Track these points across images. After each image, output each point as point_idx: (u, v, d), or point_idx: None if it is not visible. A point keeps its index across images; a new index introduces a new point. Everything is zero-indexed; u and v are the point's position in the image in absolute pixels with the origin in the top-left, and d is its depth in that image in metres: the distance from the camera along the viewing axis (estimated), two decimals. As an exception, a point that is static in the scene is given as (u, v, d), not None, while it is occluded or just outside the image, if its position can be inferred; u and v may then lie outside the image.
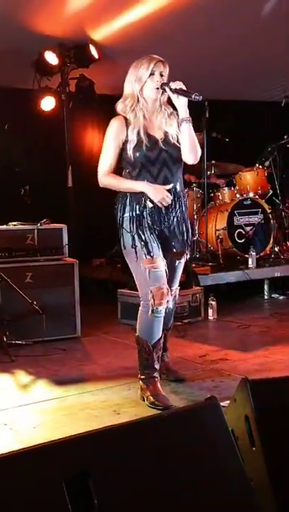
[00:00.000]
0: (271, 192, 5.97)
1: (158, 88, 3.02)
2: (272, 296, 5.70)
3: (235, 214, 5.63)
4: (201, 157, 5.64)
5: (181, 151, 3.06)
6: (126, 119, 3.05)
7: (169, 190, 3.02)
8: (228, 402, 1.94)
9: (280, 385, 1.92)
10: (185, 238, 3.15)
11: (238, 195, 5.80)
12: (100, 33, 5.70)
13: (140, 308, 3.13)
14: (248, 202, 5.73)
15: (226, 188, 5.98)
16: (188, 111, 3.02)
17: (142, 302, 3.12)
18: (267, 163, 5.98)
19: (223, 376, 3.52)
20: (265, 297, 5.68)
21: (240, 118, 7.27)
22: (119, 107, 3.10)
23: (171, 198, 3.03)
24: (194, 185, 6.04)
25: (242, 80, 6.76)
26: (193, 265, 5.28)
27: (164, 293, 3.04)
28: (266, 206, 5.77)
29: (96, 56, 5.76)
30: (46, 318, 4.25)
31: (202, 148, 5.65)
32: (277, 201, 6.07)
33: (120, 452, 1.49)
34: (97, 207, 6.74)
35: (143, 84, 3.03)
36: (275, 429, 1.76)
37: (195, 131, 3.08)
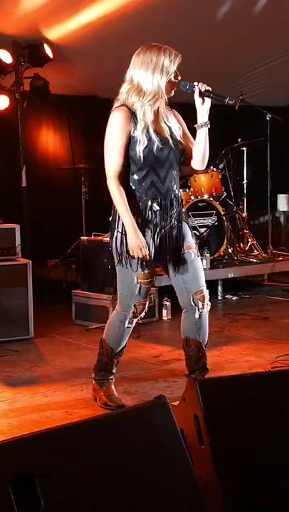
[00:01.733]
0: (225, 194, 6.03)
1: (175, 87, 2.81)
2: (226, 297, 5.77)
3: (189, 215, 5.66)
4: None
5: (193, 156, 2.92)
6: (131, 111, 2.79)
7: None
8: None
9: (228, 383, 1.95)
10: (183, 238, 2.94)
11: (192, 197, 5.84)
12: (55, 33, 5.66)
13: (115, 313, 3.05)
14: (203, 204, 5.77)
15: (181, 190, 6.01)
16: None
17: (119, 310, 3.01)
18: (221, 166, 6.04)
19: (176, 376, 3.54)
20: (219, 298, 5.74)
21: (194, 121, 7.32)
22: (131, 99, 2.80)
23: (146, 254, 2.80)
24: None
25: (200, 81, 6.81)
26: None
27: (145, 307, 2.99)
28: (220, 208, 5.83)
29: (51, 56, 5.72)
30: (-2, 320, 4.20)
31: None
32: (231, 203, 6.13)
33: (68, 452, 1.48)
34: (52, 207, 6.72)
35: (169, 79, 2.76)
36: (223, 427, 1.78)
37: None
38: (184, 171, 6.71)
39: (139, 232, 2.80)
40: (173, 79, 2.79)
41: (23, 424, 2.89)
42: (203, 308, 2.99)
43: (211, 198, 5.84)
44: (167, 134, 2.84)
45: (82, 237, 5.26)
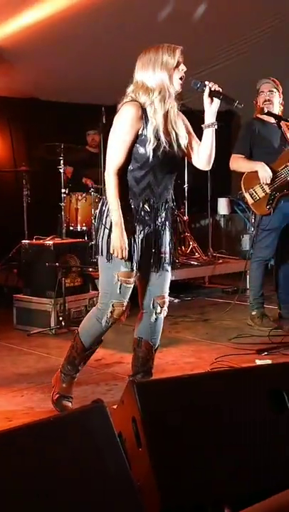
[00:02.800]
0: (166, 197, 6.09)
1: (182, 78, 2.76)
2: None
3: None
4: (98, 162, 5.73)
5: (198, 157, 2.91)
6: (143, 108, 2.74)
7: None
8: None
9: (166, 385, 1.98)
10: (170, 249, 2.97)
11: (134, 201, 5.88)
12: (-4, 34, 5.60)
13: (94, 310, 3.00)
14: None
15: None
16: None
17: (98, 307, 2.97)
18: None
19: (117, 379, 3.56)
20: (161, 300, 5.78)
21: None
22: (142, 98, 2.74)
23: (126, 255, 2.79)
24: (92, 189, 6.06)
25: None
26: (90, 269, 5.30)
27: (124, 310, 2.95)
28: (173, 205, 5.87)
29: (-9, 57, 5.66)
30: None
31: (100, 153, 5.74)
32: (172, 207, 6.20)
33: (6, 458, 1.48)
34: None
35: (172, 73, 2.73)
36: (161, 429, 1.81)
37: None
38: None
39: (125, 233, 2.78)
40: (177, 70, 2.76)
41: None
42: (160, 313, 3.04)
43: (153, 202, 5.88)
44: (173, 139, 2.81)
45: (23, 241, 5.21)
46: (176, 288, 6.01)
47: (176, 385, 2.03)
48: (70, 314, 4.74)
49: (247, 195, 4.53)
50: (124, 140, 2.75)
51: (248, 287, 5.02)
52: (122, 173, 2.80)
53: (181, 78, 2.78)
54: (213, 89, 2.81)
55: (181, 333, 4.64)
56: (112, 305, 2.91)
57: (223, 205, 7.51)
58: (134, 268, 2.87)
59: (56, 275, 4.67)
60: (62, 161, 5.65)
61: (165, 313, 3.09)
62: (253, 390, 2.01)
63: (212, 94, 2.82)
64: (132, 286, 2.93)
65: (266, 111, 4.46)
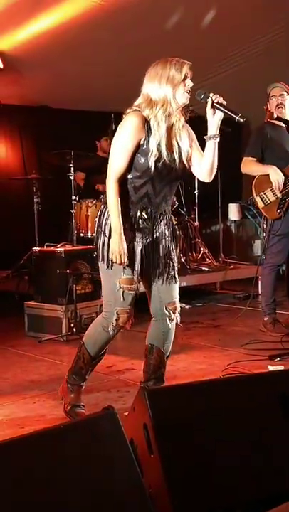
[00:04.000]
0: (177, 204, 6.09)
1: (189, 91, 2.77)
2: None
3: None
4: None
5: (200, 169, 2.91)
6: (146, 120, 2.76)
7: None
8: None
9: (177, 392, 1.97)
10: (170, 260, 2.98)
11: (145, 207, 5.88)
12: (5, 43, 5.65)
13: (99, 319, 3.02)
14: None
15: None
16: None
17: (103, 316, 2.98)
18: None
19: (128, 386, 3.55)
20: (173, 307, 5.77)
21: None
22: (146, 111, 2.77)
23: (125, 261, 2.80)
24: (102, 196, 6.06)
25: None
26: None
27: (129, 317, 2.96)
28: (172, 218, 5.87)
29: (1, 66, 5.70)
30: None
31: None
32: (183, 213, 6.21)
33: (17, 465, 1.47)
34: (4, 218, 6.66)
35: (176, 88, 2.76)
36: (172, 436, 1.80)
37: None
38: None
39: (124, 239, 2.80)
40: (183, 85, 2.78)
41: (-27, 439, 2.84)
42: (172, 319, 3.04)
43: (163, 208, 5.89)
44: (176, 153, 2.83)
45: (34, 248, 5.23)
46: (187, 294, 6.01)
47: (188, 391, 2.02)
48: (82, 321, 4.74)
49: (258, 199, 4.51)
50: (126, 148, 2.78)
51: (259, 293, 5.00)
52: (122, 181, 2.83)
53: (187, 92, 2.79)
54: (216, 101, 2.81)
55: (192, 339, 4.63)
56: (117, 312, 2.91)
57: (233, 211, 7.49)
58: (136, 275, 2.89)
59: (67, 282, 4.68)
60: (72, 168, 5.67)
61: (178, 320, 3.09)
62: (266, 396, 1.99)
63: (214, 105, 2.83)
64: (135, 292, 2.93)
65: (276, 116, 4.45)
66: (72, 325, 4.66)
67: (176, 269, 3.04)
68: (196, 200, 6.49)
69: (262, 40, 6.35)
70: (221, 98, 2.83)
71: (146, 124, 2.77)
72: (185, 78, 2.77)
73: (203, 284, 6.31)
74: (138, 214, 2.86)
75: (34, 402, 3.34)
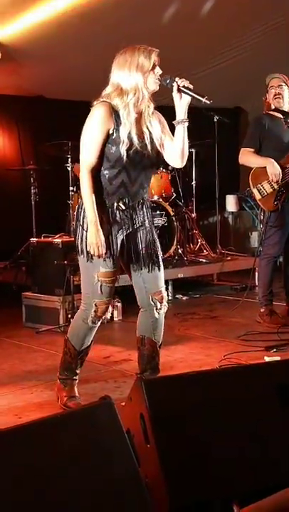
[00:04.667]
0: (174, 195, 6.09)
1: (159, 79, 2.77)
2: (176, 296, 5.83)
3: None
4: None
5: (171, 154, 2.90)
6: (114, 109, 2.78)
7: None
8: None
9: (173, 382, 1.98)
10: (153, 248, 2.97)
11: (142, 198, 5.87)
12: (2, 33, 5.61)
13: (79, 312, 3.04)
14: (152, 205, 5.80)
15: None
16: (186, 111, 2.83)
17: (82, 308, 3.00)
18: (170, 167, 6.10)
19: (126, 376, 3.56)
20: (169, 298, 5.76)
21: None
22: (115, 101, 2.78)
23: (104, 252, 2.81)
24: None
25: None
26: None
27: (108, 306, 2.99)
28: (170, 209, 5.88)
29: (-2, 55, 5.67)
30: None
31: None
32: (180, 204, 6.20)
33: (13, 454, 1.48)
34: (1, 209, 6.64)
35: (147, 75, 2.75)
36: (169, 426, 1.81)
37: None
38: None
39: (101, 231, 2.80)
40: (153, 73, 2.78)
41: (-29, 429, 2.85)
42: (160, 308, 3.04)
43: (161, 199, 5.89)
44: (147, 139, 2.83)
45: (32, 239, 5.23)
46: (184, 285, 6.03)
47: (185, 381, 2.03)
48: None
49: (255, 191, 4.51)
50: (95, 140, 2.79)
51: (256, 284, 5.01)
52: (95, 172, 2.83)
53: (157, 79, 2.80)
54: (181, 85, 2.79)
55: (189, 330, 4.64)
56: (95, 304, 2.93)
57: (231, 202, 7.49)
58: (114, 267, 2.89)
59: (64, 273, 4.68)
60: (69, 159, 5.66)
61: (166, 309, 3.09)
62: (262, 387, 2.01)
63: (181, 90, 2.81)
64: (114, 285, 2.95)
65: (273, 107, 4.44)
66: (69, 316, 4.66)
67: (160, 256, 3.03)
68: (194, 192, 6.48)
69: (261, 29, 6.32)
70: (187, 82, 2.82)
71: (114, 113, 2.78)
72: (154, 65, 2.78)
73: (201, 275, 6.32)
74: (115, 205, 2.86)
75: (31, 392, 3.36)
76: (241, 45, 6.67)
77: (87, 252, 2.85)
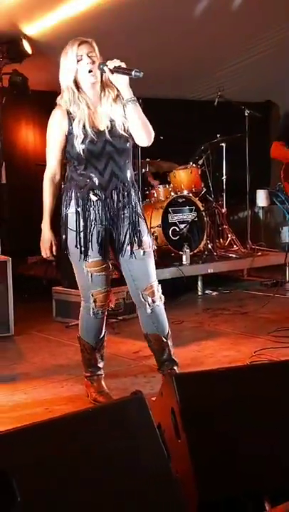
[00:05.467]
0: (204, 190, 6.06)
1: (91, 71, 2.80)
2: (206, 292, 5.80)
3: (169, 211, 5.70)
4: (135, 155, 5.73)
5: (133, 134, 2.89)
6: (68, 111, 2.86)
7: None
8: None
9: (204, 378, 1.97)
10: (136, 234, 2.95)
11: (172, 193, 5.87)
12: (34, 28, 5.64)
13: (81, 308, 3.08)
14: (182, 200, 5.80)
15: (161, 186, 6.04)
16: (131, 90, 2.83)
17: (82, 303, 3.06)
18: (200, 162, 6.08)
19: (155, 371, 3.53)
20: (199, 293, 5.78)
21: (174, 116, 7.35)
22: (61, 103, 2.89)
23: (49, 255, 2.99)
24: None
25: (177, 79, 6.84)
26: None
27: (106, 295, 3.01)
28: (200, 204, 5.86)
29: (29, 51, 5.70)
30: (-22, 317, 4.19)
31: (135, 146, 5.73)
32: (211, 199, 6.17)
33: (45, 449, 1.49)
34: (32, 204, 6.68)
35: (75, 73, 2.82)
36: (200, 421, 1.81)
37: None
38: (162, 166, 6.74)
39: (48, 233, 2.97)
40: (82, 65, 2.81)
41: (2, 422, 2.89)
42: (154, 302, 3.02)
43: (191, 194, 5.87)
44: (104, 127, 2.86)
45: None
46: (214, 281, 6.01)
47: (215, 377, 2.02)
48: (112, 306, 4.75)
49: (286, 185, 4.47)
50: (54, 147, 2.92)
51: (287, 280, 4.96)
52: (64, 172, 2.98)
53: (90, 71, 2.82)
54: (112, 67, 2.79)
55: (219, 325, 4.62)
56: (92, 295, 2.97)
57: (261, 197, 7.41)
58: (99, 257, 2.92)
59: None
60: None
61: (162, 300, 3.07)
62: (293, 383, 1.98)
63: (113, 71, 2.81)
64: (105, 273, 2.97)
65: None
66: (99, 310, 4.68)
67: (147, 242, 2.99)
68: (224, 186, 6.43)
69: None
70: (117, 61, 2.81)
71: (66, 113, 2.86)
72: (80, 58, 2.80)
73: (231, 270, 6.28)
74: (86, 197, 2.89)
75: (62, 386, 3.38)
76: (271, 38, 6.60)
77: (67, 246, 2.95)
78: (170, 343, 3.13)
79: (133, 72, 2.76)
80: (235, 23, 5.99)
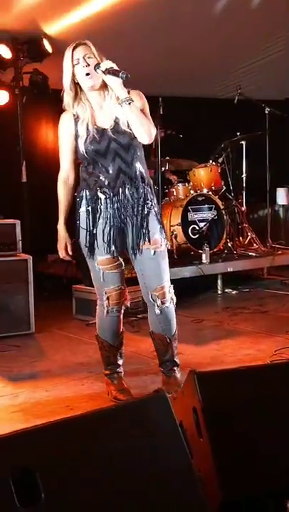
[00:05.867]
0: (224, 188, 6.05)
1: (88, 74, 2.82)
2: (226, 291, 5.79)
3: (189, 210, 5.69)
4: (156, 153, 5.73)
5: (134, 133, 2.88)
6: (74, 114, 2.92)
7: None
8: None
9: (226, 376, 1.97)
10: (144, 231, 2.93)
11: (192, 191, 5.86)
12: (54, 27, 5.67)
13: (97, 307, 3.11)
14: (202, 198, 5.79)
15: (180, 184, 6.03)
16: (125, 90, 2.83)
17: (98, 301, 3.09)
18: (220, 160, 6.06)
19: (175, 370, 3.55)
20: (219, 292, 5.77)
21: (193, 115, 7.34)
22: (65, 105, 2.96)
23: (64, 255, 3.05)
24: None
25: (196, 77, 6.82)
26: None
27: (120, 293, 3.02)
28: (219, 202, 5.85)
29: (50, 50, 5.73)
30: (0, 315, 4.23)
31: (156, 144, 5.74)
32: (230, 197, 6.15)
33: (68, 446, 1.50)
34: (52, 202, 6.73)
35: (72, 76, 2.86)
36: (221, 419, 1.81)
37: None
38: (182, 164, 6.72)
39: (63, 234, 3.03)
40: (79, 68, 2.84)
41: (24, 419, 2.92)
42: (163, 304, 3.01)
43: (210, 192, 5.86)
44: (109, 125, 2.89)
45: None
46: (233, 279, 5.99)
47: (237, 376, 2.02)
48: (128, 305, 4.76)
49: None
50: (64, 151, 2.99)
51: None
52: (77, 173, 3.02)
53: (87, 74, 2.84)
54: (104, 69, 2.80)
55: (239, 324, 4.60)
56: (105, 292, 3.00)
57: (282, 195, 7.38)
58: (110, 254, 2.94)
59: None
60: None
61: (173, 302, 3.07)
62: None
63: (105, 73, 2.81)
64: (118, 271, 2.99)
65: None
66: (119, 309, 4.69)
67: (158, 241, 2.97)
68: (244, 185, 6.41)
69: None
70: (109, 62, 2.81)
71: (72, 116, 2.92)
72: (76, 63, 2.84)
73: (250, 269, 6.26)
74: (95, 196, 2.92)
75: (82, 383, 3.40)
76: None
77: (80, 244, 2.99)
78: (174, 344, 3.12)
79: (120, 74, 2.78)
80: (255, 20, 5.96)
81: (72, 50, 2.85)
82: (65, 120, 2.96)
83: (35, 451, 1.43)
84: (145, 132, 2.87)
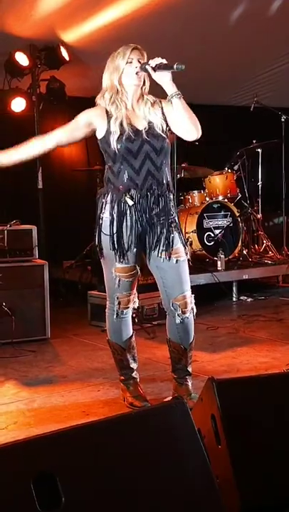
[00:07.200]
0: (240, 196, 6.04)
1: (138, 73, 2.87)
2: (241, 298, 5.77)
3: (204, 217, 5.69)
4: (171, 161, 5.74)
5: (179, 129, 2.91)
6: (107, 111, 2.91)
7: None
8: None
9: (244, 384, 1.97)
10: (168, 240, 2.91)
11: (207, 199, 5.87)
12: (71, 35, 5.71)
13: (106, 310, 3.11)
14: (218, 205, 5.79)
15: (196, 192, 6.04)
16: (174, 86, 2.86)
17: (108, 304, 3.09)
18: (236, 167, 6.06)
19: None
20: (234, 299, 5.75)
21: (210, 122, 7.34)
22: (100, 102, 2.95)
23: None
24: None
25: (212, 85, 6.84)
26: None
27: (130, 299, 3.04)
28: (235, 209, 5.84)
29: (67, 58, 5.77)
30: (15, 320, 4.24)
31: (172, 152, 5.74)
32: (246, 205, 6.14)
33: (87, 451, 1.51)
34: (68, 208, 6.78)
35: (121, 73, 2.89)
36: (240, 427, 1.80)
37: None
38: (197, 171, 6.70)
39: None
40: (130, 67, 2.88)
41: (40, 424, 2.92)
42: (184, 313, 2.98)
43: (226, 200, 5.86)
44: (143, 126, 2.90)
45: (97, 239, 5.28)
46: (249, 287, 5.97)
47: (255, 384, 2.02)
48: (144, 311, 4.78)
49: None
50: (71, 123, 2.98)
51: None
52: (104, 172, 2.98)
53: (137, 73, 2.89)
54: (154, 65, 2.84)
55: (255, 332, 4.59)
56: (117, 297, 3.00)
57: (297, 203, 7.34)
58: (129, 263, 2.93)
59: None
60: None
61: (193, 312, 3.03)
62: None
63: (156, 69, 2.85)
64: (133, 279, 2.99)
65: None
66: (134, 315, 4.68)
67: (181, 250, 2.96)
68: (260, 192, 6.40)
69: None
70: (158, 59, 2.85)
71: (104, 111, 2.91)
72: (130, 61, 2.88)
73: (266, 277, 6.24)
74: (122, 199, 2.88)
75: (98, 389, 3.40)
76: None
77: (100, 249, 2.96)
78: (190, 353, 3.10)
79: (175, 65, 2.80)
80: (272, 27, 5.96)
81: (131, 50, 2.90)
82: (96, 110, 2.95)
83: (56, 455, 1.43)
84: (194, 127, 2.90)
